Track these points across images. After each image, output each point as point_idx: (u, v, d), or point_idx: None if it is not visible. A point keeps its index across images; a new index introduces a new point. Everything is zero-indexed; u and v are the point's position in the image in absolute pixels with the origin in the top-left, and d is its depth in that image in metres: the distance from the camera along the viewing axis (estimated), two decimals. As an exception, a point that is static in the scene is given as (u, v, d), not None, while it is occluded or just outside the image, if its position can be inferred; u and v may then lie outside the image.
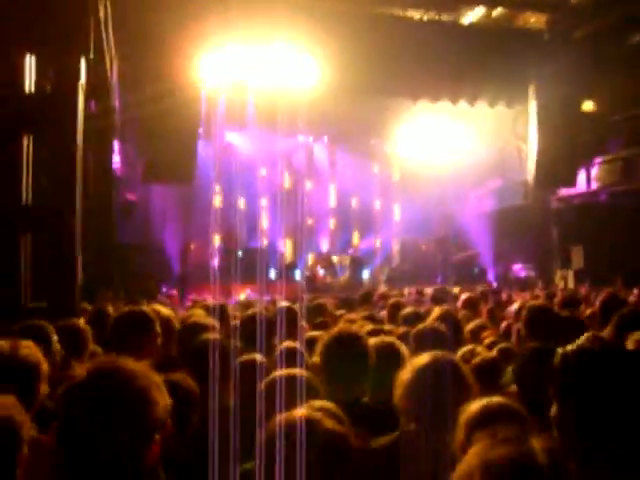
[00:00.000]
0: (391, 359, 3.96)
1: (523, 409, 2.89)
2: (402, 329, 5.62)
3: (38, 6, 8.23)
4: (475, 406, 2.77)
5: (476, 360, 4.62)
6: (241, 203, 21.42)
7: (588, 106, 18.53)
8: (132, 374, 2.13)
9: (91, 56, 8.85)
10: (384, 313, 7.77)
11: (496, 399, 2.87)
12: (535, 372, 3.50)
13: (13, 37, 8.22)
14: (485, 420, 2.61)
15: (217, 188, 20.91)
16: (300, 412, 2.43)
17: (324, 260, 20.72)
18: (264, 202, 21.88)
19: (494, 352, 5.10)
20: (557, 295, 10.35)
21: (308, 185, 22.27)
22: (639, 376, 2.32)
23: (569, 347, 2.51)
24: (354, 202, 22.83)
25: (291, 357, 3.89)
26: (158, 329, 4.51)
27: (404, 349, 4.21)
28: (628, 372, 2.32)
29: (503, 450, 1.68)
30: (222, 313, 5.69)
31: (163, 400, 2.15)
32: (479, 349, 5.01)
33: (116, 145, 14.68)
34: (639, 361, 2.46)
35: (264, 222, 21.67)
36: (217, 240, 20.65)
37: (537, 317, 5.55)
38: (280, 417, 2.42)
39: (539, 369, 3.41)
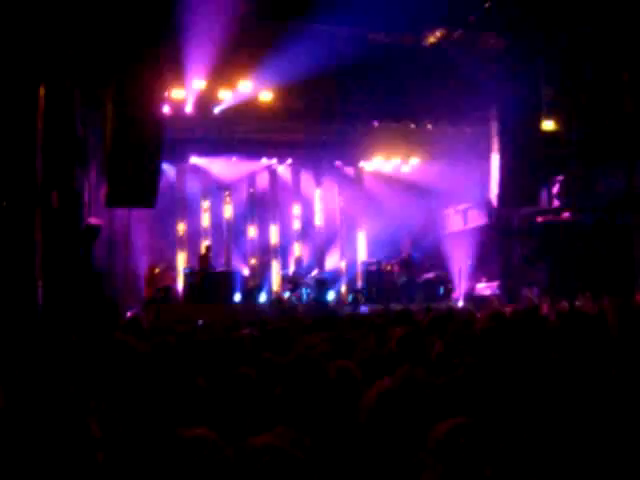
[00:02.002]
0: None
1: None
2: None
3: None
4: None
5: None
6: (205, 224, 21.36)
7: (548, 125, 18.79)
8: None
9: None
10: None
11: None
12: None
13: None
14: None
15: (181, 211, 20.86)
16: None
17: (289, 282, 20.68)
18: (229, 223, 21.78)
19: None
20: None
21: (272, 207, 22.26)
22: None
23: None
24: (319, 224, 22.82)
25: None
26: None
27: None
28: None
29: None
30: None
31: None
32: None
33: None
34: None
35: (229, 244, 21.58)
36: (181, 263, 20.57)
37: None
38: None
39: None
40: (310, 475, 2.41)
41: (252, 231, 22.07)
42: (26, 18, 8.87)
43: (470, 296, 20.01)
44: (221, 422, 3.26)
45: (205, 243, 20.57)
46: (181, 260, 20.73)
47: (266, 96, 18.46)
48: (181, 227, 20.90)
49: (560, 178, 19.14)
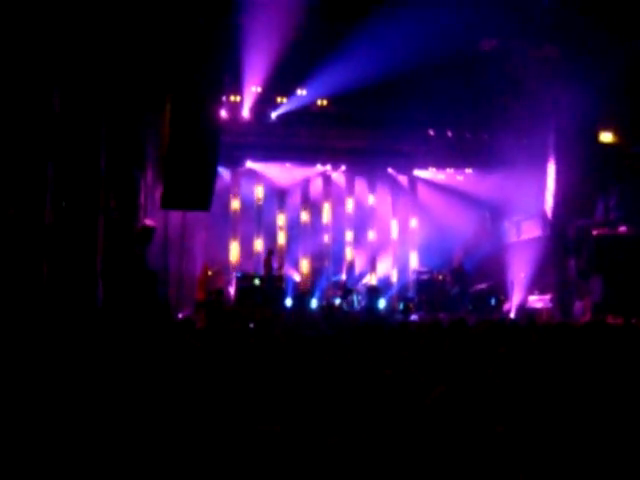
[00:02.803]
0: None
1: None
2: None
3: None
4: None
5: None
6: (259, 228, 21.48)
7: (606, 137, 18.53)
8: None
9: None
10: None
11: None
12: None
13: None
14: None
15: (235, 214, 21.02)
16: None
17: (340, 289, 20.72)
18: (282, 229, 21.88)
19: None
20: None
21: (326, 213, 22.29)
22: None
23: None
24: (371, 231, 22.79)
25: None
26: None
27: None
28: None
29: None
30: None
31: None
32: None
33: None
34: None
35: (282, 250, 21.67)
36: (235, 266, 20.71)
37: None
38: None
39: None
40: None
41: (305, 236, 22.10)
42: (91, 25, 9.08)
43: (522, 308, 19.80)
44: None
45: (263, 247, 20.82)
46: (234, 263, 20.87)
47: (322, 103, 18.55)
48: (235, 231, 21.04)
49: (617, 190, 18.84)
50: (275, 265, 19.96)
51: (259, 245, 21.26)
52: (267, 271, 19.23)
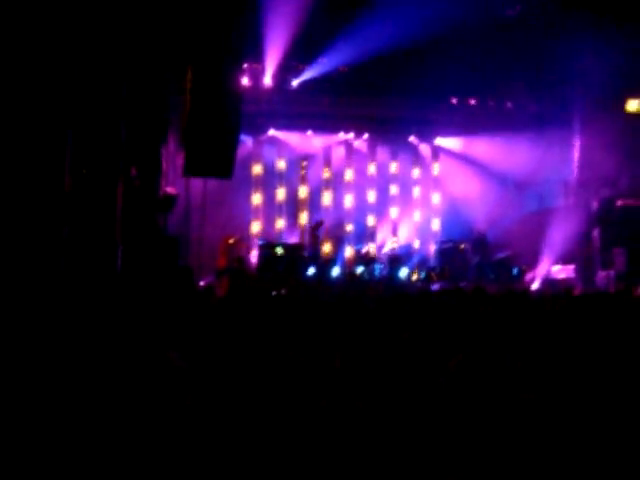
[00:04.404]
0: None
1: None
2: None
3: None
4: None
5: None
6: (280, 196, 21.43)
7: (633, 105, 18.27)
8: None
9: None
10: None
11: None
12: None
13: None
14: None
15: (257, 181, 21.00)
16: None
17: (362, 257, 20.69)
18: (304, 196, 21.83)
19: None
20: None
21: (348, 179, 22.20)
22: None
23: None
24: (394, 199, 22.71)
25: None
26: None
27: None
28: None
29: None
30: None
31: None
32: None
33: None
34: None
35: (303, 218, 21.64)
36: (256, 234, 20.72)
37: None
38: None
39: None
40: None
41: (327, 205, 22.04)
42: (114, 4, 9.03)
43: (545, 278, 19.70)
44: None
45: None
46: (255, 231, 20.87)
47: (343, 70, 18.40)
48: (256, 198, 21.02)
49: (643, 161, 18.62)
50: (321, 236, 19.97)
51: (281, 215, 21.25)
52: (313, 241, 19.29)
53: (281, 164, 21.42)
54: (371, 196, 22.39)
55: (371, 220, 22.34)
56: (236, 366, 3.57)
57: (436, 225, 22.99)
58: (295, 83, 19.17)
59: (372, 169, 22.35)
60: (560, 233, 19.76)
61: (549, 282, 19.22)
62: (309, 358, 3.62)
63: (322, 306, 6.20)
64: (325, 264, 19.73)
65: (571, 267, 19.79)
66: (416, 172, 23.03)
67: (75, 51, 8.30)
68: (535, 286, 18.41)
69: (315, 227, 19.82)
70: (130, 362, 2.69)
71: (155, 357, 2.51)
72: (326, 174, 22.04)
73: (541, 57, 16.94)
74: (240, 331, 4.38)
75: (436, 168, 22.98)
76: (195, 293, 11.37)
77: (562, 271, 20.01)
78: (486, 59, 17.68)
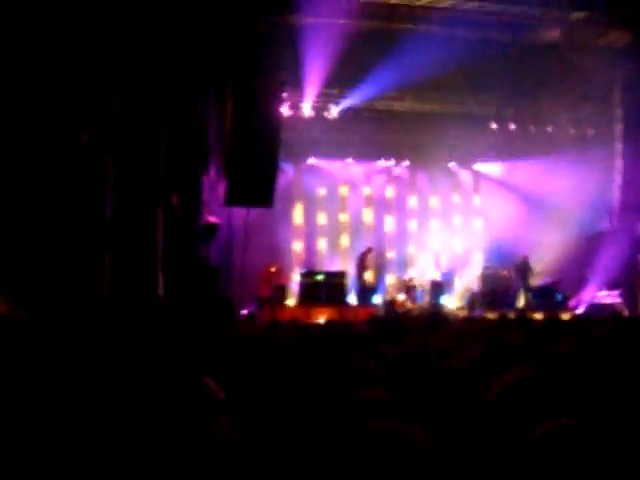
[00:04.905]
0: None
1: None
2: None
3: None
4: None
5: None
6: (322, 223, 21.48)
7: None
8: None
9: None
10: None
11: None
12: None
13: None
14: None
15: (298, 210, 21.08)
16: None
17: (404, 284, 20.62)
18: (345, 224, 21.86)
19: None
20: None
21: (388, 205, 22.20)
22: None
23: None
24: (435, 226, 22.63)
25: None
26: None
27: None
28: None
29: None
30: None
31: None
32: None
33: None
34: None
35: (344, 244, 21.66)
36: (298, 262, 20.75)
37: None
38: None
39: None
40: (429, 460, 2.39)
41: (368, 232, 22.03)
42: (153, 19, 9.17)
43: (591, 304, 19.43)
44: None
45: (326, 244, 20.91)
46: (297, 260, 20.91)
47: (383, 98, 18.47)
48: (298, 226, 21.09)
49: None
50: (368, 264, 19.98)
51: (322, 242, 21.29)
52: (361, 269, 19.33)
53: (322, 191, 21.49)
54: (412, 224, 22.35)
55: (412, 248, 22.28)
56: (272, 397, 3.58)
57: (478, 251, 22.84)
58: (335, 111, 19.27)
59: (413, 199, 22.37)
60: (604, 258, 19.48)
61: (594, 307, 18.93)
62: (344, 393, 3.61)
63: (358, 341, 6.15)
64: (367, 291, 19.69)
65: (616, 292, 19.49)
66: (457, 199, 22.95)
67: (118, 77, 8.45)
68: (580, 311, 18.14)
69: (364, 255, 19.83)
70: (166, 387, 2.71)
71: (191, 382, 2.52)
72: (367, 201, 22.06)
73: (581, 80, 16.80)
74: (278, 362, 4.38)
75: (477, 194, 22.88)
76: (236, 323, 11.40)
77: (607, 297, 19.71)
78: (526, 84, 17.61)
